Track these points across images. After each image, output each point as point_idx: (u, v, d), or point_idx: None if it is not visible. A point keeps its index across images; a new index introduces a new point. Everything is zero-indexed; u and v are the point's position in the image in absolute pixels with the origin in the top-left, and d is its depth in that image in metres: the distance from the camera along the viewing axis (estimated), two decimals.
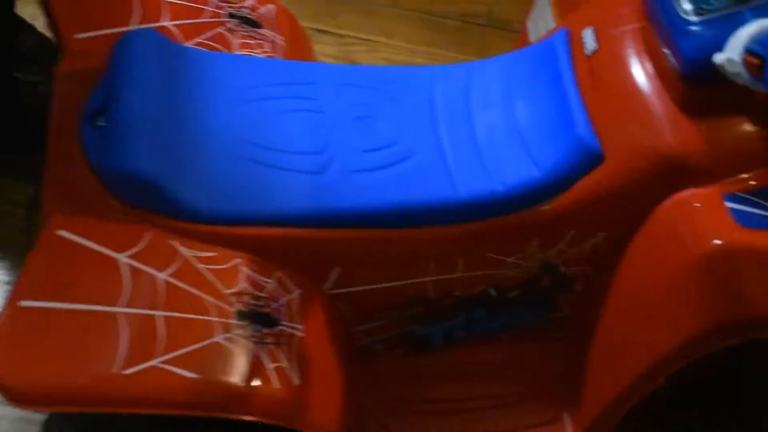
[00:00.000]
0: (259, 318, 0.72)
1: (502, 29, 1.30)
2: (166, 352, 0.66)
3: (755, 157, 0.72)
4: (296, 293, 0.76)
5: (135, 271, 0.69)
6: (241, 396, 0.67)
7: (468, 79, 0.84)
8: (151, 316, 0.67)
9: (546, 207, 0.77)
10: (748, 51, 0.65)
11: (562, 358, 0.90)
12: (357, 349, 0.87)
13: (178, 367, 0.66)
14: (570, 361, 0.88)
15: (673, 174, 0.73)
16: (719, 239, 0.69)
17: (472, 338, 0.90)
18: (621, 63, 0.75)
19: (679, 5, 0.69)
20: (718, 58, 0.66)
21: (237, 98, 0.79)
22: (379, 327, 0.86)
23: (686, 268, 0.71)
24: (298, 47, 0.91)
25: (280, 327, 0.73)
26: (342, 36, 1.34)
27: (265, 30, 0.89)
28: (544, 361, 0.92)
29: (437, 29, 1.33)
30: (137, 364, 0.65)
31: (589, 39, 0.78)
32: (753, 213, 0.70)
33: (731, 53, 0.65)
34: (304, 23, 1.01)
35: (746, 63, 0.65)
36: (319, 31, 1.32)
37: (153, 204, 0.72)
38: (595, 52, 0.77)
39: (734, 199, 0.71)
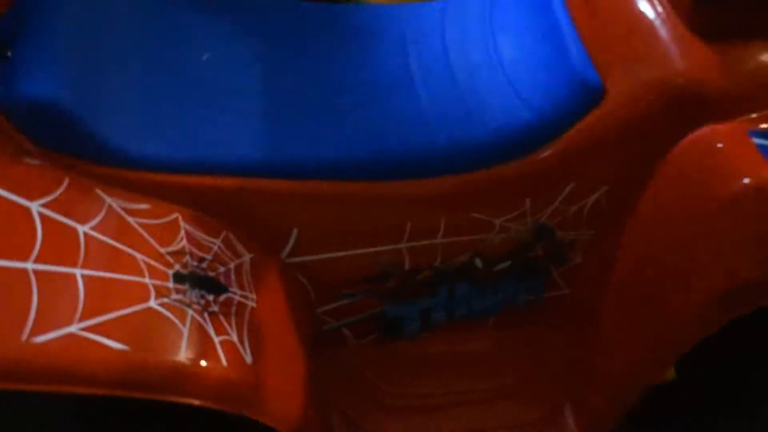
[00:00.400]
0: (203, 282, 0.60)
1: None
2: (87, 317, 0.54)
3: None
4: (247, 258, 0.65)
5: (50, 222, 0.57)
6: (180, 373, 0.55)
7: (443, 15, 0.74)
8: (70, 275, 0.56)
9: (539, 156, 0.66)
10: None
11: (558, 345, 0.79)
12: (322, 335, 0.76)
13: (102, 335, 0.54)
14: (569, 349, 0.78)
15: (687, 108, 0.62)
16: (749, 178, 0.59)
17: (454, 322, 0.79)
18: None
19: None
20: None
21: (172, 28, 0.68)
22: (346, 307, 0.75)
23: (713, 214, 0.60)
24: None
25: (228, 294, 0.61)
26: None
27: None
28: (538, 349, 0.81)
29: None
30: (51, 330, 0.53)
31: None
32: None
33: None
34: None
35: None
36: None
37: (71, 145, 0.60)
38: None
39: (762, 134, 0.61)
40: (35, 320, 0.53)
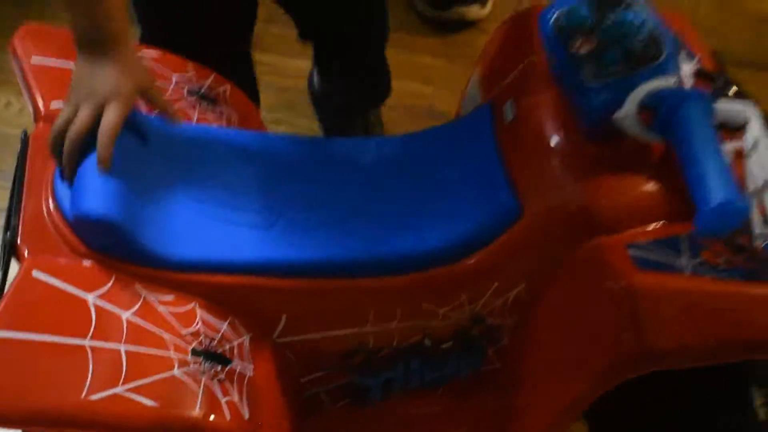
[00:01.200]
0: (213, 356, 0.80)
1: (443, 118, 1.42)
2: (128, 381, 0.74)
3: (652, 211, 0.83)
4: (247, 337, 0.85)
5: (101, 310, 0.77)
6: (196, 424, 0.75)
7: (402, 148, 0.96)
8: (116, 350, 0.75)
9: (470, 261, 0.87)
10: (643, 106, 0.76)
11: (495, 408, 0.99)
12: (305, 400, 0.95)
13: (140, 395, 0.74)
14: (502, 411, 0.97)
15: (581, 227, 0.83)
16: (621, 280, 0.80)
17: (409, 391, 0.99)
18: (535, 127, 0.86)
19: (582, 72, 0.81)
20: (617, 114, 0.78)
21: (196, 161, 0.89)
22: (324, 377, 0.94)
23: (595, 307, 0.81)
24: (250, 122, 1.02)
25: (232, 365, 0.81)
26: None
27: (221, 106, 0.99)
28: (479, 412, 1.00)
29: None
30: (102, 390, 0.73)
31: (508, 109, 0.89)
32: (652, 259, 0.81)
33: (628, 109, 0.77)
34: None
35: (641, 117, 0.76)
36: None
37: (117, 250, 0.80)
38: (513, 120, 0.89)
39: (636, 247, 0.82)
40: (91, 383, 0.73)
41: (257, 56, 1.28)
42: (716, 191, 0.71)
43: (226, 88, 1.02)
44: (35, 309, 0.76)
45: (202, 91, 0.99)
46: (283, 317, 0.87)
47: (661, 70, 0.78)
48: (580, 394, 0.84)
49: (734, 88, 0.90)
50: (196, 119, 0.96)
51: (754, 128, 0.78)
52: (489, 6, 1.57)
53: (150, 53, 0.99)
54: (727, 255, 0.82)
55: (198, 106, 0.97)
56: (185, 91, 0.97)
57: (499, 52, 0.99)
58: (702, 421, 0.98)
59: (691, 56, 0.93)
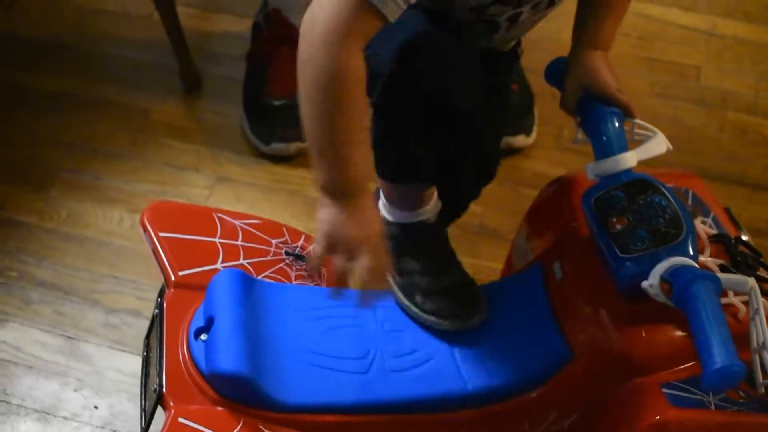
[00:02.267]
0: None
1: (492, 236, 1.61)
2: None
3: (679, 356, 1.01)
4: None
5: None
6: None
7: None
8: None
9: (533, 395, 1.06)
10: (663, 279, 0.95)
11: None
12: None
13: None
14: None
15: (622, 368, 1.02)
16: (658, 416, 0.98)
17: None
18: (581, 288, 1.05)
19: (615, 245, 0.99)
20: (644, 284, 0.96)
21: (301, 317, 1.08)
22: None
23: None
24: None
25: None
26: None
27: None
28: None
29: None
30: None
31: (557, 269, 1.09)
32: (683, 396, 0.99)
33: (652, 281, 0.95)
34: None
35: (662, 287, 0.95)
36: None
37: (244, 397, 0.99)
38: (562, 279, 1.08)
39: (669, 386, 1.00)
40: None
41: None
42: (718, 357, 0.87)
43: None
44: None
45: (297, 251, 1.18)
46: None
47: (680, 249, 0.97)
48: None
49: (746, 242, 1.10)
50: (294, 276, 1.15)
51: (755, 300, 0.96)
52: (533, 135, 1.75)
53: (248, 221, 1.18)
54: (748, 389, 1.00)
55: (294, 265, 1.16)
56: (283, 252, 1.17)
57: (546, 212, 1.18)
58: None
59: (706, 212, 1.13)
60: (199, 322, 1.03)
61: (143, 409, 1.04)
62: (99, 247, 1.57)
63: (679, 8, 2.07)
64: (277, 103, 1.68)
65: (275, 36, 1.73)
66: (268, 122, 1.69)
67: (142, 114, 1.78)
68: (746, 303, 1.00)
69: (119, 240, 1.58)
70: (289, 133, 1.66)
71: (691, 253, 0.96)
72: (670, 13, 2.06)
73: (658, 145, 1.06)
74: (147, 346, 1.09)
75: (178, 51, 1.78)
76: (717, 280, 0.93)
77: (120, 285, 1.51)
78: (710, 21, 2.04)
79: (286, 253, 1.18)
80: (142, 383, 1.06)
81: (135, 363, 1.30)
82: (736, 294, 1.02)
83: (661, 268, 0.95)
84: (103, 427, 1.33)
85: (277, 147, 1.68)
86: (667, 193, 1.02)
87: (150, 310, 1.27)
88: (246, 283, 1.05)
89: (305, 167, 1.65)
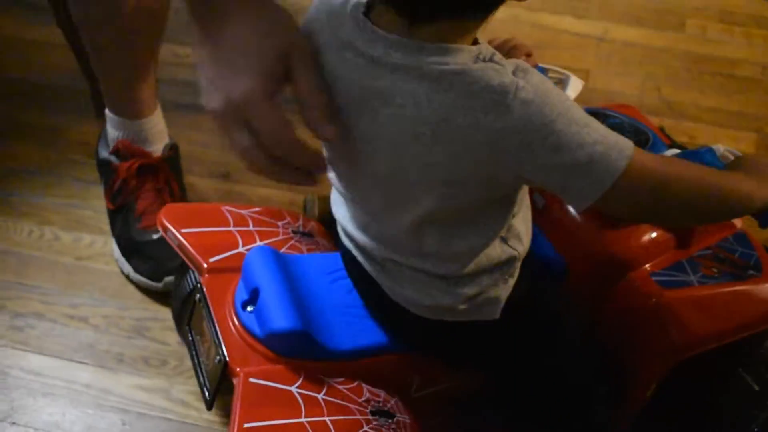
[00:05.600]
0: (384, 413, 1.09)
1: None
2: None
3: (659, 247, 1.17)
4: (396, 398, 1.14)
5: (304, 396, 1.05)
6: None
7: None
8: (323, 421, 1.04)
9: None
10: None
11: None
12: None
13: None
14: None
15: (616, 267, 1.17)
16: (654, 299, 1.13)
17: None
18: (563, 209, 1.20)
19: None
20: None
21: (324, 280, 1.18)
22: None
23: (640, 319, 1.14)
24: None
25: (397, 418, 1.10)
26: None
27: (315, 237, 1.30)
28: None
29: None
30: None
31: (538, 199, 1.23)
32: (670, 280, 1.15)
33: None
34: None
35: None
36: None
37: (299, 352, 1.09)
38: (545, 205, 1.22)
39: (656, 274, 1.16)
40: None
41: None
42: None
43: (312, 224, 1.32)
44: (262, 404, 1.04)
45: (300, 229, 1.29)
46: (416, 378, 1.16)
47: (657, 148, 1.13)
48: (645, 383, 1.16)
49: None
50: (305, 249, 1.25)
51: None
52: None
53: (253, 210, 1.29)
54: (717, 266, 1.16)
55: (303, 240, 1.27)
56: (290, 231, 1.28)
57: None
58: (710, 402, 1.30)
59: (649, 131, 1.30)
60: (243, 296, 1.12)
61: (204, 385, 1.12)
62: (8, 257, 1.64)
63: (573, 16, 2.25)
64: (155, 236, 1.52)
65: (132, 169, 1.61)
66: (154, 258, 1.53)
67: (55, 134, 1.90)
68: None
69: (27, 250, 1.66)
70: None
71: (665, 148, 1.12)
72: (564, 21, 2.23)
73: (576, 84, 1.21)
74: (189, 331, 1.17)
75: (88, 75, 1.88)
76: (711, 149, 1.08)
77: (26, 291, 1.59)
78: (602, 27, 2.23)
79: (293, 232, 1.28)
80: (195, 364, 1.15)
81: (36, 361, 1.44)
82: None
83: None
84: (3, 420, 1.39)
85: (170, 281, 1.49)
86: (619, 116, 1.18)
87: (55, 312, 1.50)
88: (276, 257, 1.15)
89: (203, 176, 1.82)
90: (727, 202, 0.96)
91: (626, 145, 0.87)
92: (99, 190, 1.76)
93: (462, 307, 1.03)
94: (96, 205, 1.75)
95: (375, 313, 1.13)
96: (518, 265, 1.03)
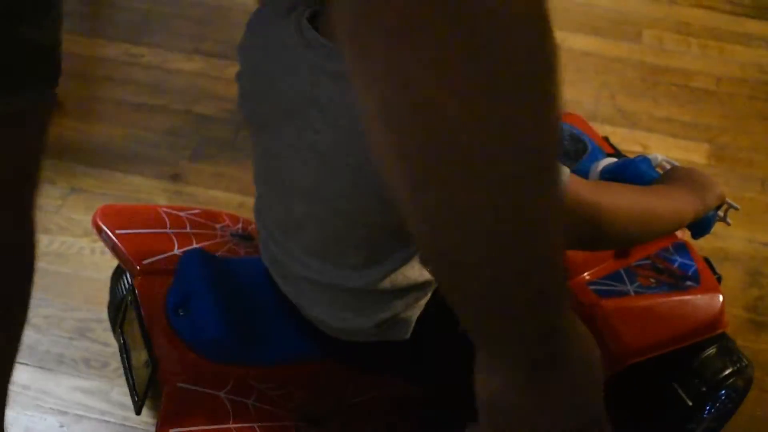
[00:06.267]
0: (315, 420, 1.08)
1: None
2: None
3: (595, 258, 1.16)
4: (331, 404, 1.12)
5: (232, 401, 1.04)
6: None
7: None
8: (252, 427, 1.02)
9: None
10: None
11: None
12: None
13: None
14: None
15: None
16: (590, 307, 1.12)
17: None
18: None
19: None
20: None
21: (257, 283, 1.16)
22: None
23: None
24: None
25: (328, 424, 1.09)
26: None
27: (255, 240, 1.28)
28: None
29: None
30: None
31: None
32: (607, 289, 1.14)
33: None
34: None
35: None
36: None
37: (229, 357, 1.07)
38: None
39: (593, 284, 1.15)
40: None
41: None
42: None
43: (253, 226, 1.30)
44: (189, 409, 1.02)
45: (239, 232, 1.27)
46: (350, 385, 1.15)
47: (594, 156, 1.12)
48: None
49: None
50: (243, 253, 1.24)
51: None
52: None
53: (191, 212, 1.27)
54: (655, 276, 1.16)
55: (241, 243, 1.25)
56: (229, 234, 1.26)
57: None
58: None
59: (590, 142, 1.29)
60: (175, 299, 1.10)
61: (133, 388, 1.10)
62: None
63: None
64: None
65: None
66: None
67: None
68: None
69: None
70: None
71: (603, 157, 1.12)
72: None
73: None
74: (122, 334, 1.15)
75: None
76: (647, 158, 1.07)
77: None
78: (559, 36, 2.22)
79: (232, 235, 1.26)
80: (125, 366, 1.13)
81: None
82: None
83: (596, 170, 1.09)
84: None
85: None
86: None
87: None
88: (210, 260, 1.13)
89: (152, 177, 1.79)
90: (661, 222, 0.95)
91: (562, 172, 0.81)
92: (44, 189, 1.74)
93: (372, 330, 1.00)
94: (41, 204, 1.72)
95: (296, 323, 1.10)
96: (432, 288, 0.99)
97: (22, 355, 1.44)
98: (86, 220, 1.31)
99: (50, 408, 1.40)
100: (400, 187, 0.51)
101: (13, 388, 1.40)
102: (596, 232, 0.87)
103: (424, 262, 0.86)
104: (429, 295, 0.98)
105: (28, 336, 1.47)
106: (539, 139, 0.48)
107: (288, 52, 0.88)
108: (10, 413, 1.37)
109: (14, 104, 0.74)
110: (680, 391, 1.17)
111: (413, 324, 0.99)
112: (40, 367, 1.44)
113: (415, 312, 0.99)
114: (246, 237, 1.28)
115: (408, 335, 1.00)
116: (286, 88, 0.89)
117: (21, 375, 1.42)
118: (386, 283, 0.95)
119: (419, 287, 0.97)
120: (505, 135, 0.47)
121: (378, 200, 0.84)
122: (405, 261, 0.94)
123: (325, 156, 0.88)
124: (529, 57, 0.47)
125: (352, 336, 1.02)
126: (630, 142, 1.98)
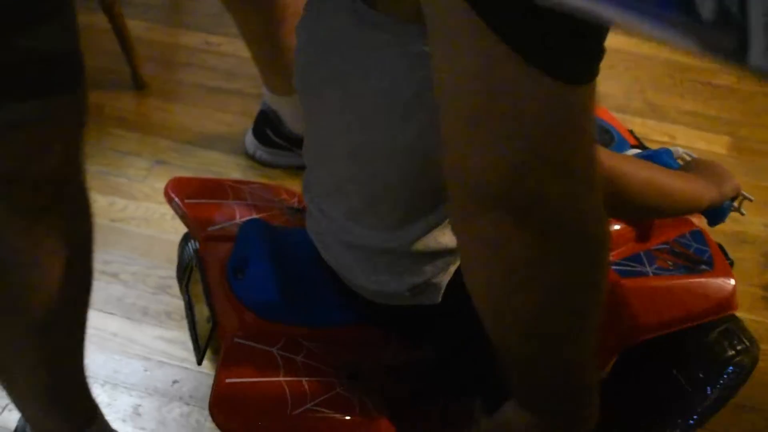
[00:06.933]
0: (356, 377, 1.07)
1: None
2: (312, 399, 1.00)
3: (619, 240, 1.13)
4: (370, 364, 1.12)
5: (283, 357, 1.03)
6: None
7: None
8: (300, 381, 1.02)
9: None
10: None
11: None
12: None
13: (322, 407, 1.00)
14: None
15: None
16: (611, 285, 1.10)
17: None
18: None
19: None
20: None
21: (308, 251, 1.15)
22: None
23: None
24: None
25: (369, 382, 1.08)
26: None
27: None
28: None
29: None
30: (299, 407, 0.99)
31: None
32: (628, 270, 1.11)
33: None
34: None
35: None
36: None
37: (281, 317, 1.07)
38: None
39: (615, 264, 1.12)
40: (291, 404, 0.99)
41: None
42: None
43: None
44: (244, 362, 1.02)
45: (295, 206, 1.27)
46: (390, 347, 1.14)
47: (621, 147, 1.09)
48: (602, 362, 1.13)
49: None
50: (297, 225, 1.23)
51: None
52: None
53: (253, 186, 1.26)
54: (672, 259, 1.13)
55: (296, 217, 1.25)
56: (285, 207, 1.25)
57: None
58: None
59: (616, 133, 1.26)
60: (235, 264, 1.10)
61: (195, 341, 1.10)
62: None
63: None
64: None
65: None
66: None
67: (96, 110, 1.90)
68: None
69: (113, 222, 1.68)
70: None
71: (629, 147, 1.09)
72: None
73: None
74: (187, 293, 1.16)
75: (129, 57, 1.95)
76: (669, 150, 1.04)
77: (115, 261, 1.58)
78: None
79: (288, 208, 1.26)
80: (189, 322, 1.13)
81: None
82: None
83: None
84: None
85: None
86: None
87: None
88: (267, 230, 1.13)
89: (227, 152, 1.80)
90: (676, 200, 0.92)
91: None
92: (132, 160, 1.79)
93: (406, 294, 0.99)
94: (129, 174, 1.76)
95: (338, 290, 1.10)
96: None
97: (111, 306, 1.47)
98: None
99: (135, 354, 1.42)
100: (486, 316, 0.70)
101: (103, 335, 1.44)
102: (613, 198, 0.85)
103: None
104: (458, 261, 0.97)
105: (117, 289, 1.50)
106: (592, 307, 0.70)
107: (339, 22, 0.87)
108: (99, 356, 1.40)
109: (21, 111, 0.71)
110: (680, 378, 1.14)
111: (443, 290, 0.98)
112: (128, 318, 1.47)
113: (445, 279, 0.97)
114: (299, 210, 1.27)
115: (438, 300, 0.98)
116: (336, 54, 0.88)
117: (110, 323, 1.45)
118: (419, 246, 0.94)
119: (450, 252, 0.95)
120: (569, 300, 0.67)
121: (415, 163, 0.86)
122: (437, 224, 0.93)
123: (368, 119, 0.87)
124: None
125: (388, 300, 1.01)
126: (658, 133, 1.94)
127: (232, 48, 2.10)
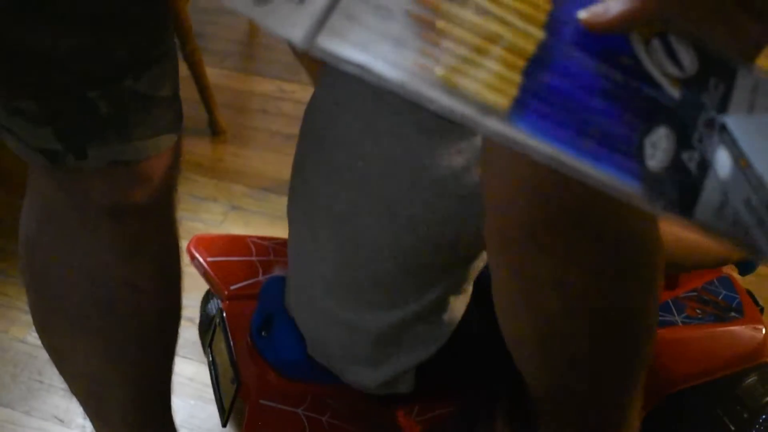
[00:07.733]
0: None
1: None
2: None
3: None
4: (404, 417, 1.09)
5: (309, 417, 1.01)
6: None
7: None
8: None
9: None
10: None
11: None
12: None
13: None
14: None
15: None
16: None
17: None
18: None
19: None
20: None
21: None
22: None
23: None
24: None
25: None
26: None
27: None
28: None
29: None
30: None
31: None
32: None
33: None
34: None
35: None
36: None
37: (308, 376, 1.04)
38: None
39: None
40: None
41: None
42: None
43: None
44: (269, 425, 0.99)
45: None
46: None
47: None
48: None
49: None
50: None
51: None
52: None
53: (275, 241, 1.24)
54: (701, 307, 1.10)
55: None
56: None
57: None
58: None
59: None
60: (259, 322, 1.08)
61: (220, 402, 1.08)
62: None
63: None
64: None
65: None
66: None
67: None
68: None
69: None
70: None
71: None
72: None
73: None
74: (211, 352, 1.14)
75: (207, 104, 1.96)
76: None
77: None
78: None
79: None
80: (214, 384, 1.11)
81: None
82: None
83: None
84: None
85: None
86: None
87: None
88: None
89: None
90: (705, 254, 0.90)
91: None
92: (209, 205, 1.79)
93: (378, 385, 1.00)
94: (205, 218, 1.77)
95: None
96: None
97: (187, 351, 1.44)
98: (244, 232, 1.33)
99: (211, 399, 1.35)
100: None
101: (179, 380, 1.40)
102: None
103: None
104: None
105: (193, 334, 1.46)
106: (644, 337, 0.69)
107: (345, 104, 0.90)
108: (175, 401, 1.35)
109: (128, 152, 0.73)
110: (725, 418, 1.11)
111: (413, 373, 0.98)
112: (203, 363, 1.42)
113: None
114: None
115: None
116: (341, 130, 0.91)
117: (186, 368, 1.42)
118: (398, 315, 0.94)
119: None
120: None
121: (404, 240, 0.87)
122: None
123: (363, 185, 0.88)
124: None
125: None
126: None
127: (306, 95, 2.07)
